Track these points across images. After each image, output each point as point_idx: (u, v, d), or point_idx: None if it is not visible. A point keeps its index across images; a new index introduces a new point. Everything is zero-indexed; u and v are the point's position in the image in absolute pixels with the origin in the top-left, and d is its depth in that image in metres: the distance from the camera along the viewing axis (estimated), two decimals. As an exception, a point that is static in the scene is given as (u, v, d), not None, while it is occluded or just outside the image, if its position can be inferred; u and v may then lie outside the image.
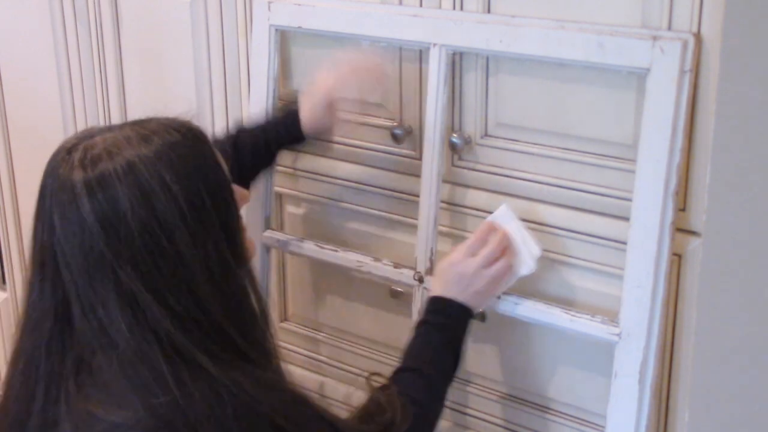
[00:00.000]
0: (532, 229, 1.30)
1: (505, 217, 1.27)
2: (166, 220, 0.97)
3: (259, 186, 1.50)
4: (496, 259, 1.24)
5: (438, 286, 1.26)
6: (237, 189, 1.07)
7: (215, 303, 1.01)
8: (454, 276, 1.24)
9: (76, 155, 0.99)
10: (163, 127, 1.02)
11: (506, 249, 1.26)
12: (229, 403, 0.97)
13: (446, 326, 1.23)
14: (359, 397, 1.21)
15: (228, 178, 1.05)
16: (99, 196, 0.96)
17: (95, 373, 0.99)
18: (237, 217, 1.06)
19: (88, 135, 1.02)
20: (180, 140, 1.01)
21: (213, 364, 0.98)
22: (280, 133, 1.41)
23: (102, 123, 1.88)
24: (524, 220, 1.31)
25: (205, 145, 1.05)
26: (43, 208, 1.00)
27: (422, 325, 1.25)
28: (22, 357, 1.04)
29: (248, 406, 0.98)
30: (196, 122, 1.07)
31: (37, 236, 1.02)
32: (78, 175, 0.97)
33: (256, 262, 1.53)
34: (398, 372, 1.22)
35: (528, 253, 1.25)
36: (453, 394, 1.46)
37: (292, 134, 1.40)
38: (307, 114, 1.39)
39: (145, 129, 1.02)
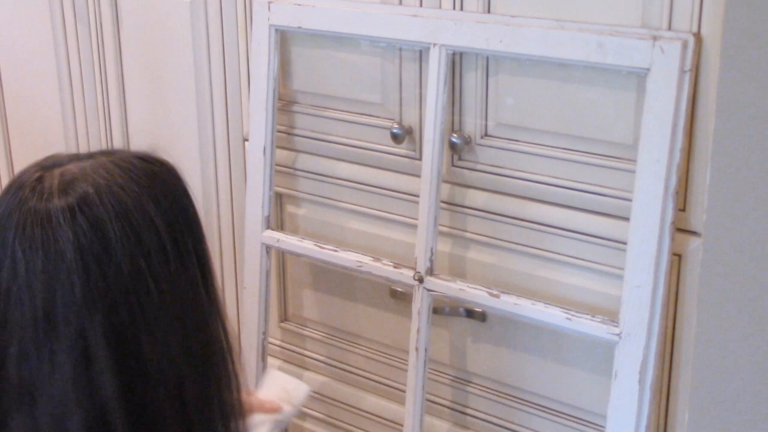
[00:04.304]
0: (532, 229, 1.30)
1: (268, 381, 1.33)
2: (150, 253, 0.89)
3: (258, 186, 1.50)
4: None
5: None
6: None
7: (182, 357, 0.91)
8: None
9: (49, 183, 0.89)
10: (136, 158, 0.94)
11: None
12: None
13: None
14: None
15: (198, 215, 0.97)
16: (81, 220, 0.86)
17: None
18: (209, 257, 0.97)
19: (57, 163, 0.92)
20: (157, 170, 0.94)
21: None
22: None
23: (102, 124, 1.89)
24: (524, 220, 1.31)
25: (180, 178, 0.97)
26: (2, 247, 0.88)
27: None
28: None
29: None
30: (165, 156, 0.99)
31: None
32: (57, 203, 0.87)
33: (256, 264, 1.54)
34: None
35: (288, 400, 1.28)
36: (453, 394, 1.47)
37: None
38: None
39: (117, 158, 0.93)
